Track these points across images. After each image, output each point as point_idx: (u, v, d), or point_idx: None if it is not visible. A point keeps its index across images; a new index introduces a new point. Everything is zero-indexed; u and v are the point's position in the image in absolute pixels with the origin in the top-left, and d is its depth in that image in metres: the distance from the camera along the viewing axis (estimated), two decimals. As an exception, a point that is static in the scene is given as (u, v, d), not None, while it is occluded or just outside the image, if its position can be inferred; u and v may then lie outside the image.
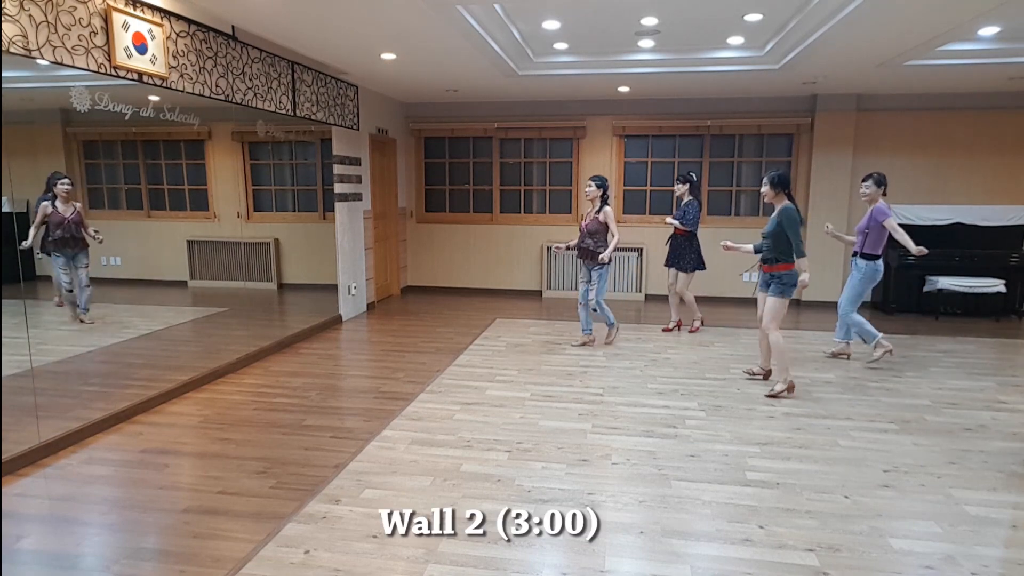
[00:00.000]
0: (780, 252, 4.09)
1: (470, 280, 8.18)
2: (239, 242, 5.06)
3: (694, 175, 5.83)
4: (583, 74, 5.95)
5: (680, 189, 5.83)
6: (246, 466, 3.07)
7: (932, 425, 3.63)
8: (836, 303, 7.21)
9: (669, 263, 5.95)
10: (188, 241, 4.92)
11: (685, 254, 5.81)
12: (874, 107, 6.94)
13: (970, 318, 6.62)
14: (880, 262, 4.74)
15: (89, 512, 2.64)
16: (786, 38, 4.89)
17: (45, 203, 3.58)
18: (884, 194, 4.75)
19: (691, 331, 5.95)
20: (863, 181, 4.81)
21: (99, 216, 4.33)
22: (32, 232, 3.55)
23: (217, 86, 4.20)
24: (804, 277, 4.08)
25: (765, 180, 4.20)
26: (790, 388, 4.10)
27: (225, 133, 5.02)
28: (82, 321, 4.00)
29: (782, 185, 4.12)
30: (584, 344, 5.43)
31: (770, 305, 4.14)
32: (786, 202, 4.10)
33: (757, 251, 4.33)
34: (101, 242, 3.95)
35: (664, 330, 6.01)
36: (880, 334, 4.74)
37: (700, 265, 5.84)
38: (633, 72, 5.85)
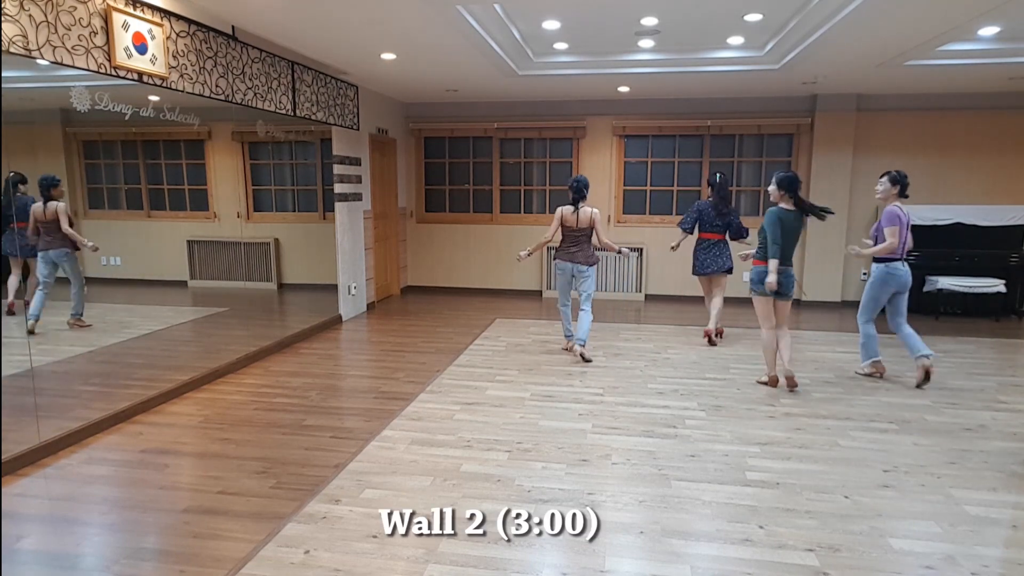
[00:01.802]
0: (759, 249, 4.27)
1: (470, 280, 8.18)
2: (239, 242, 5.06)
3: (720, 175, 5.50)
4: (583, 74, 5.95)
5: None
6: (246, 466, 3.07)
7: (932, 425, 3.63)
8: (836, 303, 7.31)
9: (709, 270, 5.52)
10: (188, 241, 4.92)
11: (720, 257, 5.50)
12: (874, 107, 6.94)
13: (970, 318, 6.62)
14: (896, 265, 4.28)
15: (89, 512, 2.64)
16: (786, 38, 4.89)
17: (37, 205, 3.62)
18: (903, 195, 4.29)
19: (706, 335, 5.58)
20: (880, 178, 4.38)
21: (99, 216, 4.34)
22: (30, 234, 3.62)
23: (217, 86, 4.20)
24: (771, 279, 4.10)
25: (772, 180, 4.26)
26: (772, 382, 4.30)
27: (225, 133, 5.02)
28: (83, 326, 4.04)
29: (785, 187, 4.17)
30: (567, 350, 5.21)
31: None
32: (781, 204, 4.18)
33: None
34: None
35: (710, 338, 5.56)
36: (879, 356, 4.51)
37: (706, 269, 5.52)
38: (633, 72, 5.85)
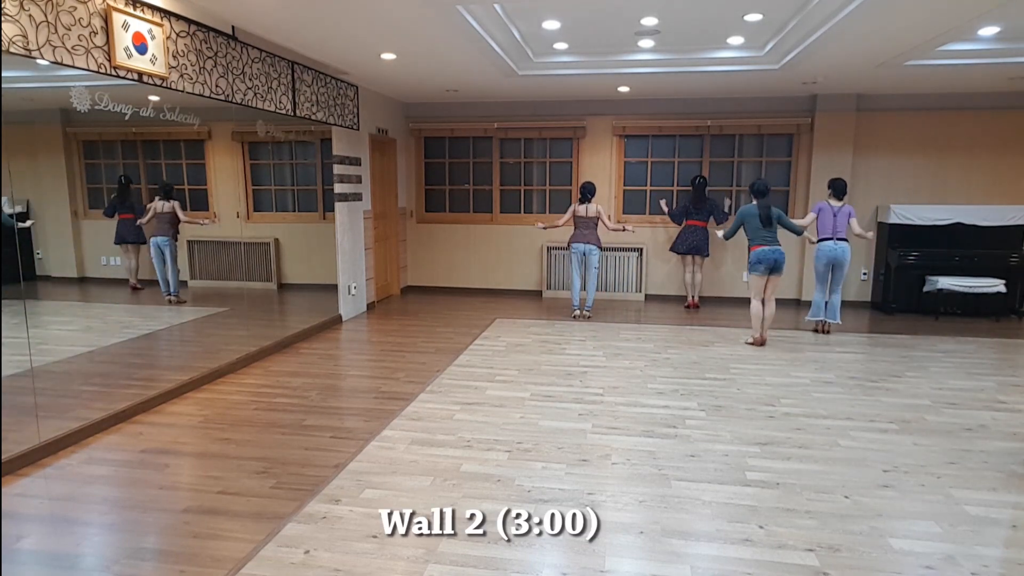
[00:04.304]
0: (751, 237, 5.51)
1: (470, 280, 8.18)
2: (239, 242, 5.06)
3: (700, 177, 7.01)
4: (583, 74, 5.95)
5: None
6: (246, 466, 3.07)
7: (932, 425, 3.63)
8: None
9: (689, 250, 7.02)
10: (188, 241, 4.92)
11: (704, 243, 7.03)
12: (874, 107, 6.94)
13: (970, 318, 6.62)
14: (826, 243, 5.82)
15: (89, 512, 2.65)
16: (786, 38, 4.89)
17: (158, 202, 4.55)
18: (836, 196, 5.81)
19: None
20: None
21: (100, 216, 4.33)
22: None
23: (217, 86, 4.20)
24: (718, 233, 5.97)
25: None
26: (757, 342, 5.45)
27: (225, 133, 5.02)
28: (179, 302, 4.85)
29: (752, 192, 5.53)
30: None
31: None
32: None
33: None
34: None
35: (688, 306, 7.19)
36: (820, 317, 5.96)
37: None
38: (633, 72, 5.84)
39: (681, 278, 7.49)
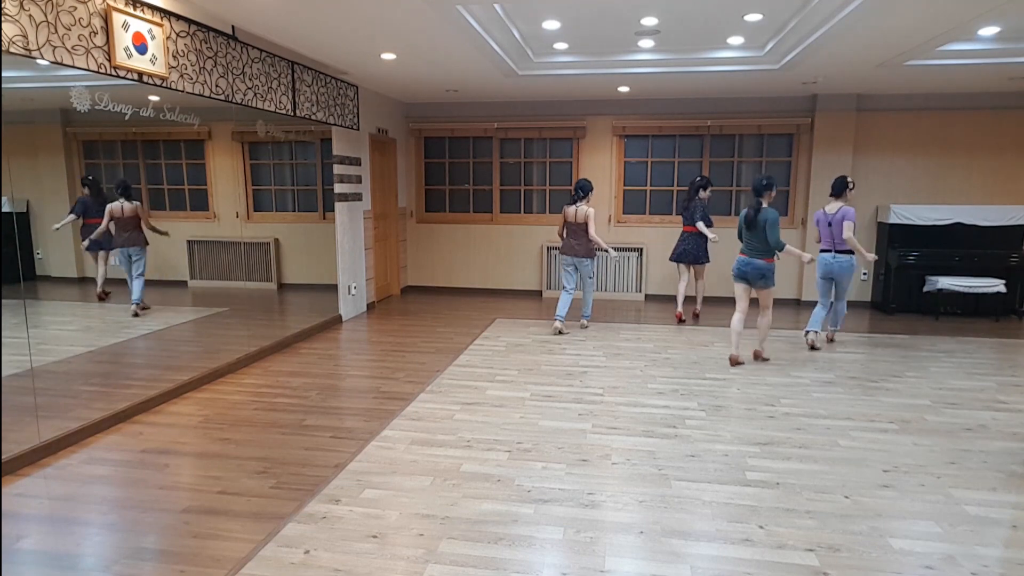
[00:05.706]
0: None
1: (470, 280, 8.18)
2: (239, 242, 5.06)
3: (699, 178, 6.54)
4: (583, 74, 5.95)
5: (703, 194, 6.41)
6: (246, 466, 3.07)
7: (932, 425, 3.63)
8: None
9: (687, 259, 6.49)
10: (188, 241, 4.92)
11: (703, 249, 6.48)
12: (874, 107, 6.94)
13: (970, 318, 6.62)
14: (822, 255, 5.39)
15: (89, 512, 2.65)
16: (786, 38, 4.89)
17: (115, 204, 4.17)
18: (833, 195, 5.33)
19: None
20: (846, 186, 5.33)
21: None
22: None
23: (217, 86, 4.20)
24: (804, 257, 4.93)
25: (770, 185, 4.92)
26: (732, 360, 4.89)
27: (225, 133, 5.02)
28: (139, 312, 4.47)
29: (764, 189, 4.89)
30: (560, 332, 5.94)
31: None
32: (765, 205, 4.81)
33: None
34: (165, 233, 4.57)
35: (693, 315, 6.64)
36: (813, 328, 5.36)
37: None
38: (633, 72, 5.85)
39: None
